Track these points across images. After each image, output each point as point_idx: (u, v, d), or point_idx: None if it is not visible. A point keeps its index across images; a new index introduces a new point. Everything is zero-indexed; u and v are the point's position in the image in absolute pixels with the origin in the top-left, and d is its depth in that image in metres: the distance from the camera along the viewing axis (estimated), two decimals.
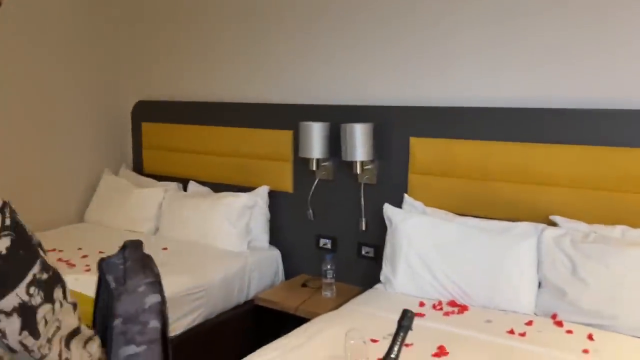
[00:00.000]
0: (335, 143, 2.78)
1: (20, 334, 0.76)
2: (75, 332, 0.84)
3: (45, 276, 0.78)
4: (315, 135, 2.76)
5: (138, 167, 3.76)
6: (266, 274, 2.99)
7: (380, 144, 2.71)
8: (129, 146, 3.83)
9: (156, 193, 3.34)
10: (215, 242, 2.98)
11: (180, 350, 2.42)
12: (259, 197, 3.07)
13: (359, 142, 2.63)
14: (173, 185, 3.44)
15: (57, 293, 0.81)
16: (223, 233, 2.98)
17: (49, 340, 0.80)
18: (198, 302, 2.56)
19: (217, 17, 3.33)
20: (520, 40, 2.41)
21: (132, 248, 1.05)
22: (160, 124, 3.60)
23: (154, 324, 0.97)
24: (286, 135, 3.03)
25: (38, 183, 3.36)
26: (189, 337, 2.49)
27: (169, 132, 3.55)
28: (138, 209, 3.32)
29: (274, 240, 3.12)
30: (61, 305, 0.81)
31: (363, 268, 2.82)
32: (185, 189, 3.42)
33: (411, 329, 1.30)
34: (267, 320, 2.76)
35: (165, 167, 3.60)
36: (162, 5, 3.56)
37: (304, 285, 2.86)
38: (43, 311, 0.78)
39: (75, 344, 0.84)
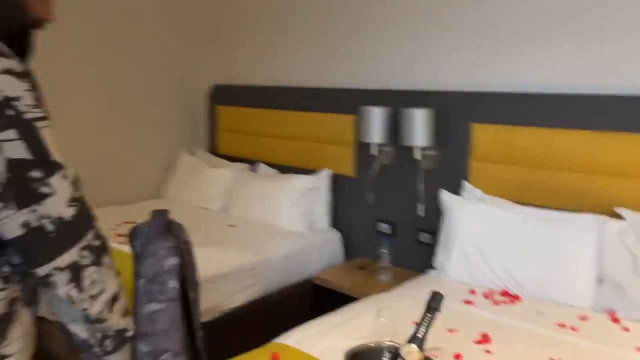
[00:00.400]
0: (396, 128, 2.79)
1: (67, 285, 0.89)
2: (116, 298, 0.96)
3: (96, 243, 0.92)
4: (376, 120, 2.78)
5: (213, 148, 3.97)
6: (325, 255, 3.07)
7: (440, 129, 2.69)
8: (206, 128, 4.04)
9: (227, 173, 3.52)
10: (278, 222, 3.10)
11: (237, 321, 2.57)
12: (322, 180, 3.14)
13: (419, 127, 2.62)
14: (243, 166, 3.60)
15: (104, 259, 0.93)
16: (285, 213, 3.09)
17: (92, 297, 0.92)
18: (257, 277, 2.69)
19: (288, 3, 3.42)
20: (587, 20, 2.29)
21: (157, 216, 1.15)
22: (234, 107, 3.76)
23: (173, 284, 1.06)
24: (348, 120, 3.07)
25: (120, 160, 3.65)
26: (246, 309, 2.62)
27: (242, 115, 3.71)
28: (209, 187, 3.52)
29: (334, 223, 3.19)
30: (106, 269, 0.94)
31: (420, 254, 2.82)
32: (255, 171, 3.57)
33: (439, 311, 1.31)
34: (323, 300, 2.84)
35: (237, 149, 3.77)
36: None
37: (361, 267, 2.91)
38: (90, 271, 0.91)
39: (116, 309, 0.96)
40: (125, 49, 3.61)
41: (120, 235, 2.93)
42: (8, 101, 0.86)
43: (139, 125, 3.74)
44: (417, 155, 2.72)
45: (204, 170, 3.62)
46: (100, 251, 0.93)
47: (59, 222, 0.88)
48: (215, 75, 3.94)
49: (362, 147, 2.99)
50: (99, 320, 0.93)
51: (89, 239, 0.91)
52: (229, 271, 2.58)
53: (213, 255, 2.61)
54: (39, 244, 0.87)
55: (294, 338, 1.78)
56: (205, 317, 2.37)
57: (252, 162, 3.63)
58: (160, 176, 3.87)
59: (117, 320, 0.96)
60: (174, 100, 3.91)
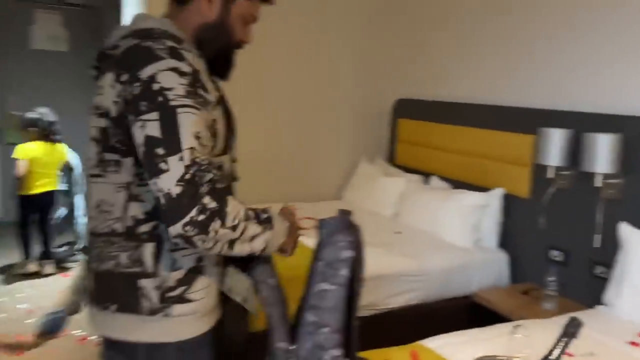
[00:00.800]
0: (576, 151, 2.67)
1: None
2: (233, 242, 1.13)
3: (201, 217, 1.05)
4: (556, 142, 2.69)
5: (391, 158, 4.17)
6: (490, 275, 3.04)
7: (627, 156, 2.50)
8: (386, 139, 4.26)
9: (400, 182, 3.68)
10: (444, 235, 3.16)
11: (391, 322, 2.70)
12: (493, 199, 3.12)
13: (603, 153, 2.48)
14: (417, 177, 3.72)
15: (213, 226, 1.07)
16: (452, 227, 3.14)
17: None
18: (416, 284, 2.79)
19: (471, 20, 3.45)
20: None
21: (343, 214, 1.35)
22: (414, 120, 3.91)
23: (344, 272, 1.26)
24: (526, 140, 3.00)
25: (308, 163, 4.06)
26: (402, 313, 2.74)
27: (420, 129, 3.84)
28: (383, 194, 3.71)
29: (503, 243, 3.14)
30: (214, 234, 1.09)
31: (592, 287, 2.64)
32: (427, 183, 3.67)
33: (575, 337, 1.31)
34: (480, 319, 2.82)
35: (413, 161, 3.91)
36: (427, 6, 3.85)
37: (525, 292, 2.83)
38: (198, 238, 1.06)
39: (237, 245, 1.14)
40: (321, 64, 4.01)
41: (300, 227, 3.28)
42: (161, 90, 1.05)
43: (327, 132, 4.11)
44: (598, 182, 2.57)
45: (380, 178, 3.83)
46: (206, 222, 1.04)
47: (168, 197, 1.03)
48: (400, 90, 4.13)
49: (539, 169, 2.91)
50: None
51: (192, 215, 1.03)
52: (391, 274, 2.73)
53: (379, 256, 2.78)
54: (162, 212, 1.05)
55: (437, 343, 1.87)
56: (362, 312, 2.55)
57: (426, 174, 3.73)
58: (341, 180, 4.19)
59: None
60: (360, 111, 4.20)
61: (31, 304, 3.45)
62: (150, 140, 1.05)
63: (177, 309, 1.18)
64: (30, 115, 4.00)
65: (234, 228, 1.10)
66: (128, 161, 1.14)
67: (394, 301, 2.73)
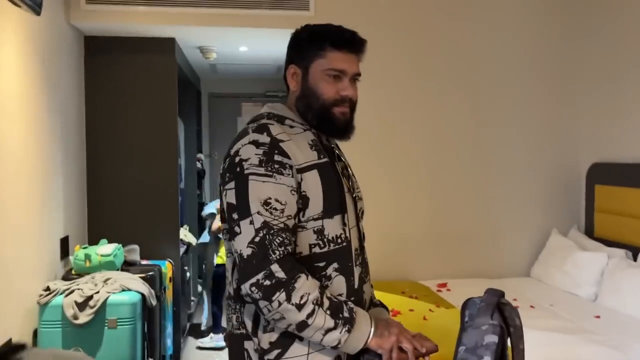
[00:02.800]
0: None
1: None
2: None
3: (267, 282, 1.12)
4: None
5: (589, 231, 3.69)
6: None
7: None
8: (581, 208, 3.81)
9: (601, 258, 3.23)
10: None
11: None
12: None
13: None
14: (621, 252, 3.23)
15: (277, 297, 1.13)
16: None
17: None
18: None
19: None
20: None
21: (490, 294, 1.24)
22: (614, 187, 3.45)
23: (487, 359, 1.13)
24: None
25: (487, 234, 3.77)
26: None
27: (622, 196, 3.36)
28: (579, 271, 3.28)
29: None
30: (278, 306, 1.15)
31: None
32: (635, 259, 3.16)
33: None
34: None
35: (616, 233, 3.41)
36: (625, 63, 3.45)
37: None
38: (262, 304, 1.13)
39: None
40: (502, 123, 3.76)
41: None
42: (241, 162, 1.18)
43: (511, 200, 3.79)
44: None
45: (576, 252, 3.41)
46: (271, 290, 1.11)
47: (241, 257, 1.13)
48: (596, 151, 3.70)
49: None
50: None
51: (259, 278, 1.11)
52: None
53: (571, 343, 2.47)
54: (238, 271, 1.16)
55: None
56: None
57: (632, 249, 3.21)
58: (528, 254, 3.81)
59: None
60: (549, 176, 3.82)
61: None
62: (229, 207, 1.18)
63: None
64: None
65: (299, 307, 1.11)
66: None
67: None
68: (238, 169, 1.18)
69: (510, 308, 1.24)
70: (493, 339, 1.15)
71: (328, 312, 1.14)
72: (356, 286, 1.29)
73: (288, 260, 1.13)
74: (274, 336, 1.21)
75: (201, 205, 5.27)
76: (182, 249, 3.92)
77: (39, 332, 2.60)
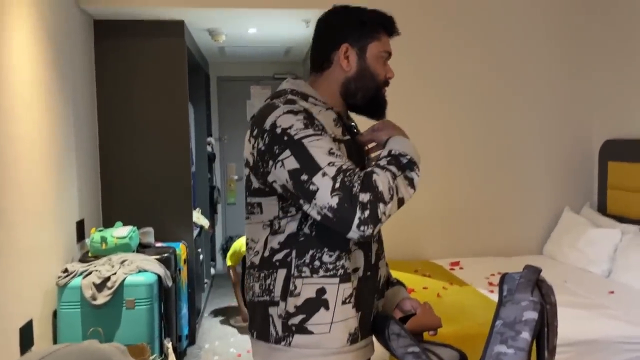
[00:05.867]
0: None
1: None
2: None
3: (366, 214, 1.14)
4: None
5: (602, 207, 3.68)
6: None
7: None
8: (594, 185, 3.79)
9: (614, 235, 3.22)
10: None
11: None
12: None
13: None
14: (634, 228, 3.21)
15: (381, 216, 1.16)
16: None
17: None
18: (635, 353, 2.36)
19: None
20: None
21: (530, 270, 1.24)
22: (627, 163, 3.42)
23: (525, 335, 1.14)
24: None
25: (501, 212, 3.77)
26: None
27: (635, 173, 3.34)
28: (592, 248, 3.28)
29: None
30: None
31: None
32: None
33: None
34: None
35: (629, 209, 3.39)
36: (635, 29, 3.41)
37: None
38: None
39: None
40: (515, 102, 3.76)
41: (491, 284, 3.05)
42: (285, 131, 1.19)
43: (523, 179, 3.79)
44: None
45: (589, 229, 3.40)
46: (373, 215, 1.12)
47: (331, 210, 1.13)
48: (609, 128, 3.68)
49: None
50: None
51: (358, 215, 1.11)
52: (600, 339, 2.37)
53: (585, 319, 2.49)
54: (334, 225, 1.15)
55: None
56: None
57: None
58: (540, 232, 3.81)
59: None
60: (562, 154, 3.81)
61: (239, 348, 3.76)
62: (293, 173, 1.18)
63: (297, 339, 1.23)
64: None
65: (392, 197, 1.16)
66: (271, 200, 1.27)
67: None
68: (286, 137, 1.19)
69: (547, 285, 1.24)
70: (533, 315, 1.15)
71: (399, 173, 1.21)
72: (373, 261, 1.33)
73: (363, 181, 1.15)
74: (299, 300, 1.23)
75: (212, 189, 5.30)
76: (195, 232, 3.95)
77: (58, 312, 2.64)
